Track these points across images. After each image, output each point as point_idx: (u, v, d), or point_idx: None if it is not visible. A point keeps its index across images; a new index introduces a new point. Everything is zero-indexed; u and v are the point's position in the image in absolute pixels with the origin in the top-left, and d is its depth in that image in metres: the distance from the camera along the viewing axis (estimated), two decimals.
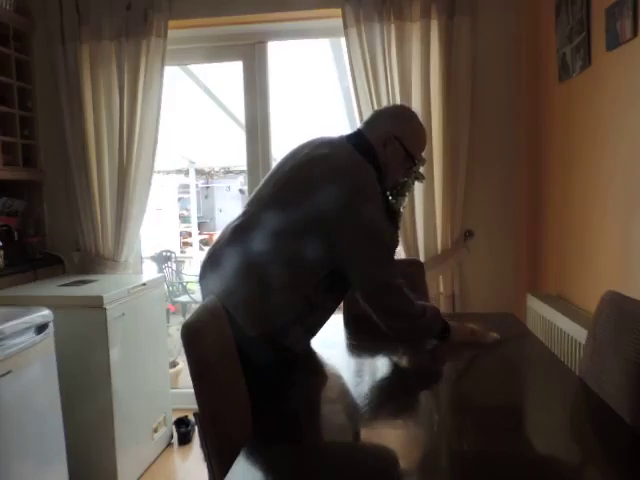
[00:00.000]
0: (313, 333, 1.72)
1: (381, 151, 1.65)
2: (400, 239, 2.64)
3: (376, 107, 2.57)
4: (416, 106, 2.56)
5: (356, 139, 1.67)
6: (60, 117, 2.81)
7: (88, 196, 2.81)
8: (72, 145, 2.81)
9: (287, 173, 1.64)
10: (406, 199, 1.96)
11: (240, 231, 1.63)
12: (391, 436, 1.22)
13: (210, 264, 1.68)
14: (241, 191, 11.23)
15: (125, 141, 2.76)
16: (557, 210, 2.38)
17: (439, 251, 2.67)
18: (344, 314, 2.22)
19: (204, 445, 1.21)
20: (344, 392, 1.49)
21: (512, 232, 2.75)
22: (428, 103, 2.58)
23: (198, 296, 4.56)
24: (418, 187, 2.63)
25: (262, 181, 1.73)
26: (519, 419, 1.31)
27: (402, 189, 1.78)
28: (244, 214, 1.68)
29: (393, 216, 1.74)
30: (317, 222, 1.53)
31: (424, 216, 2.66)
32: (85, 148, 2.78)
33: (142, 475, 2.49)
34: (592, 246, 2.01)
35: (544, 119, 2.48)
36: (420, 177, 1.83)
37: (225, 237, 1.67)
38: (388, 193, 1.75)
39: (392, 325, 1.63)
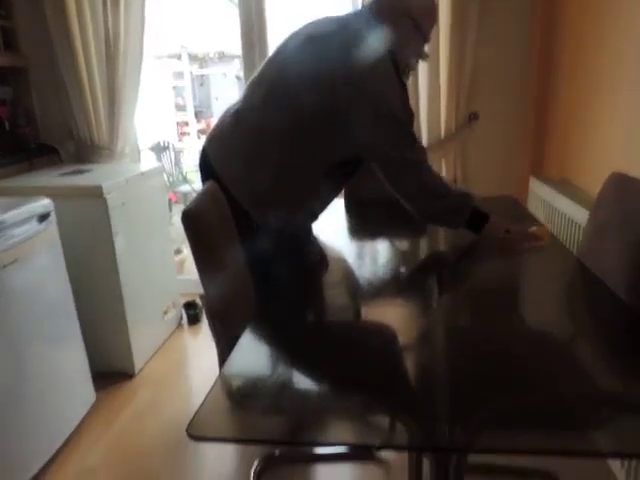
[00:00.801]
0: (317, 217, 1.73)
1: (391, 30, 1.52)
2: None
3: None
4: None
5: (363, 18, 1.55)
6: None
7: (77, 83, 2.67)
8: (54, 27, 2.61)
9: (294, 55, 1.54)
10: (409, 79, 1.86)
11: (244, 115, 1.57)
12: (391, 314, 1.26)
13: (212, 149, 1.63)
14: (238, 78, 10.76)
15: (110, 21, 2.57)
16: (565, 91, 2.28)
17: (442, 135, 2.60)
18: (345, 200, 2.21)
19: (211, 325, 1.26)
20: (345, 274, 1.52)
21: (517, 114, 2.66)
22: None
23: (198, 185, 4.55)
24: (422, 67, 2.50)
25: (263, 63, 1.63)
26: (515, 298, 1.35)
27: (405, 69, 1.69)
28: (245, 98, 1.60)
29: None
30: (331, 106, 1.46)
31: (428, 98, 2.55)
32: (68, 30, 2.59)
33: (156, 352, 2.65)
34: (599, 128, 1.96)
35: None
36: (424, 56, 1.72)
37: (227, 121, 1.60)
38: None
39: (422, 206, 1.57)
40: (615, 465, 1.68)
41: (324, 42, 1.50)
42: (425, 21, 1.56)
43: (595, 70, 1.97)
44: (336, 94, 1.44)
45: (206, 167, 1.63)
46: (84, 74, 2.67)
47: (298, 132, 1.50)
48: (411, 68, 1.67)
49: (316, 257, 1.64)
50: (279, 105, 1.51)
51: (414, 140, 1.56)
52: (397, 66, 1.52)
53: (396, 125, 1.50)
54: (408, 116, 1.57)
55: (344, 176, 1.69)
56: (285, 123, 1.50)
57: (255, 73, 1.64)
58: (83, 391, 2.14)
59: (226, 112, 1.64)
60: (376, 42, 1.48)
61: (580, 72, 2.11)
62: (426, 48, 1.69)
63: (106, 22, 2.59)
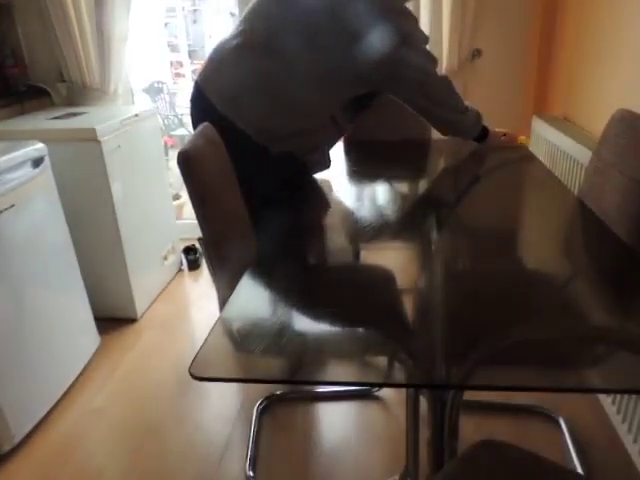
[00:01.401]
0: (326, 154, 1.74)
1: None
2: None
3: None
4: None
5: None
6: None
7: (64, 20, 2.56)
8: None
9: None
10: None
11: (248, 50, 1.50)
12: (390, 256, 1.26)
13: (211, 85, 1.56)
14: (232, 14, 10.36)
15: None
16: (571, 25, 2.19)
17: (445, 71, 2.52)
18: (344, 142, 2.17)
19: (210, 268, 1.26)
20: (345, 216, 1.51)
21: (522, 50, 2.57)
22: None
23: None
24: (424, 4, 2.39)
25: None
26: (515, 239, 1.35)
27: None
28: (243, 32, 1.54)
29: None
30: (349, 26, 1.42)
31: (430, 32, 2.45)
32: None
33: (157, 297, 2.68)
34: (605, 66, 1.89)
35: None
36: None
37: (227, 58, 1.54)
38: None
39: (444, 118, 1.72)
40: (606, 402, 1.73)
41: None
42: None
43: (602, 6, 1.88)
44: (351, 12, 1.41)
45: (203, 104, 1.57)
46: (71, 11, 2.55)
47: (315, 63, 1.46)
48: None
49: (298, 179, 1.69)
50: (289, 39, 1.45)
51: (434, 57, 1.61)
52: None
53: (419, 39, 1.54)
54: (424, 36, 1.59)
55: (359, 111, 1.72)
56: (301, 58, 1.45)
57: (250, 6, 1.56)
58: (87, 335, 2.18)
59: (220, 48, 1.57)
60: None
61: (587, 8, 2.02)
62: None
63: None
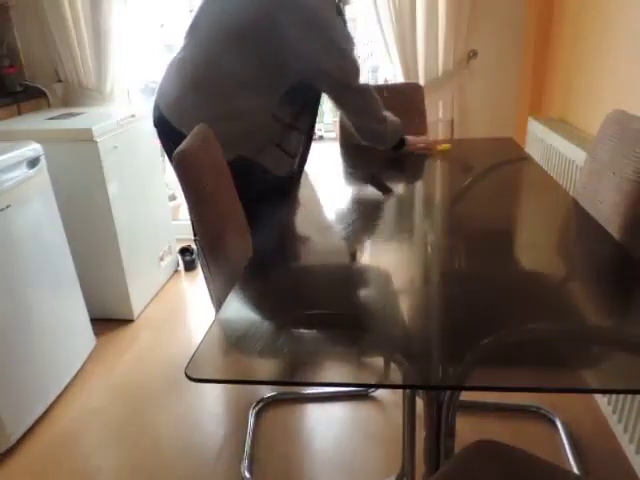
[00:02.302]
0: (296, 156, 1.74)
1: None
2: (397, 61, 2.50)
3: None
4: None
5: None
6: None
7: (61, 20, 2.57)
8: None
9: None
10: None
11: (189, 63, 1.60)
12: (386, 257, 1.26)
13: (165, 105, 1.65)
14: None
15: None
16: (567, 27, 2.20)
17: (440, 73, 2.53)
18: (340, 145, 2.18)
19: (205, 268, 1.26)
20: (340, 217, 1.51)
21: (518, 51, 2.57)
22: None
23: None
24: (420, 4, 2.40)
25: (197, 10, 1.66)
26: (511, 240, 1.35)
27: (340, 2, 1.64)
28: (185, 47, 1.64)
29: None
30: (269, 31, 1.48)
31: (425, 34, 2.46)
32: None
33: (154, 298, 2.68)
34: (600, 67, 1.90)
35: None
36: None
37: (172, 73, 1.64)
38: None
39: (362, 126, 1.76)
40: (602, 402, 1.74)
41: None
42: None
43: (598, 7, 1.89)
44: (276, 16, 1.47)
45: (161, 123, 1.67)
46: (68, 11, 2.55)
47: (249, 65, 1.53)
48: (345, 2, 1.67)
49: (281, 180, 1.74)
50: (227, 44, 1.53)
51: (354, 62, 1.62)
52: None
53: (344, 51, 1.57)
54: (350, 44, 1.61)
55: (309, 110, 1.75)
56: (235, 64, 1.53)
57: (193, 15, 1.65)
58: (83, 335, 2.18)
59: (172, 62, 1.66)
60: None
61: (582, 9, 2.03)
62: None
63: None
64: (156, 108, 1.69)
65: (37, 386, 1.85)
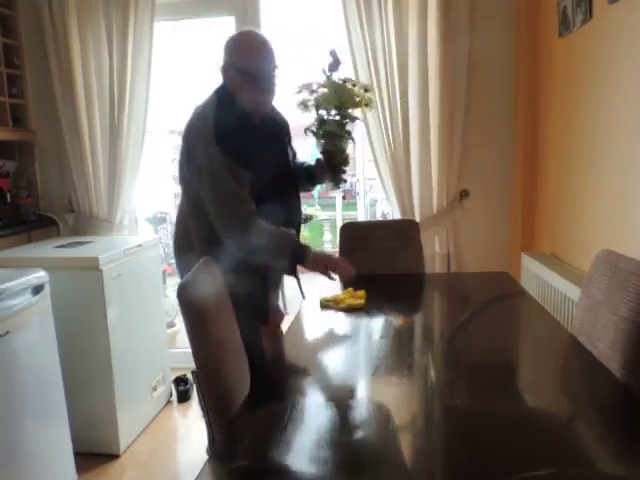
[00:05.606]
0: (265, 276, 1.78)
1: (227, 83, 1.70)
2: (395, 199, 2.64)
3: (371, 60, 2.52)
4: (412, 62, 2.52)
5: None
6: (48, 75, 2.75)
7: (80, 156, 2.77)
8: (62, 104, 2.75)
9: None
10: (345, 141, 1.81)
11: (179, 213, 1.86)
12: (386, 393, 1.25)
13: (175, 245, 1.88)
14: None
15: (116, 100, 2.71)
16: (554, 169, 2.36)
17: (434, 211, 2.67)
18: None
19: (202, 401, 1.23)
20: (339, 351, 1.51)
21: (508, 191, 2.73)
22: (425, 57, 2.53)
23: None
24: (414, 146, 2.60)
25: None
26: (511, 376, 1.34)
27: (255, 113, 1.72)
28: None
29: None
30: (190, 172, 1.69)
31: (420, 175, 2.63)
32: (75, 108, 2.72)
33: (143, 431, 2.55)
34: (588, 206, 2.01)
35: (543, 76, 2.43)
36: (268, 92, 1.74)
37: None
38: (312, 134, 1.79)
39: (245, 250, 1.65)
40: None
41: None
42: (242, 60, 1.67)
43: (584, 148, 2.04)
44: (191, 157, 1.69)
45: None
46: (88, 151, 2.77)
47: (192, 207, 1.74)
48: (261, 110, 1.75)
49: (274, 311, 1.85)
50: (185, 197, 1.80)
51: (231, 201, 1.62)
52: (245, 115, 1.69)
53: (212, 186, 1.63)
54: (236, 170, 1.60)
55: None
56: (186, 205, 1.79)
57: None
58: (65, 471, 2.04)
59: None
60: (208, 108, 1.67)
61: (568, 149, 2.19)
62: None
63: (112, 107, 2.73)
64: None
65: None
